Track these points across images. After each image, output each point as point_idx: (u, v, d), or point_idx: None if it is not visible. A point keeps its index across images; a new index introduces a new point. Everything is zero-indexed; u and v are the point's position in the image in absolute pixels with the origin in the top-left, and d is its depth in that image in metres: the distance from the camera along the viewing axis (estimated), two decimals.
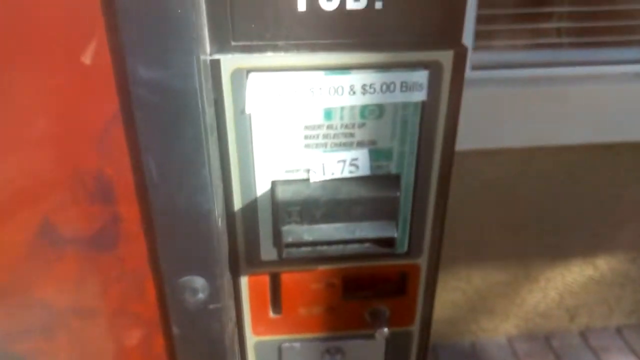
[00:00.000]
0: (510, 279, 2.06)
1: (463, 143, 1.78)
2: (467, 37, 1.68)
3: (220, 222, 0.52)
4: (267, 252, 0.61)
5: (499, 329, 2.16)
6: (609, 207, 1.93)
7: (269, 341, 0.67)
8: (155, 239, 0.47)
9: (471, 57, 1.71)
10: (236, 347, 0.65)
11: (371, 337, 0.66)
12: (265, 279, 0.63)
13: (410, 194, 0.59)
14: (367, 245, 0.58)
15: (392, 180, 0.58)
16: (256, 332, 0.66)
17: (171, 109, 0.43)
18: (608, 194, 1.91)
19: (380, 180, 0.58)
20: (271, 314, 0.65)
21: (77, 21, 0.40)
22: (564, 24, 1.77)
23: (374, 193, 0.56)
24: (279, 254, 0.57)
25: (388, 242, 0.57)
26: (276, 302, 0.65)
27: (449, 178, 0.59)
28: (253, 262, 0.61)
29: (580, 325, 2.18)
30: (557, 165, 1.85)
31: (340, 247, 0.58)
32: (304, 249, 0.57)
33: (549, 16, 1.77)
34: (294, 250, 0.57)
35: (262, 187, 0.57)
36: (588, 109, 1.74)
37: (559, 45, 1.79)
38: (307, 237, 0.56)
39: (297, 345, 0.67)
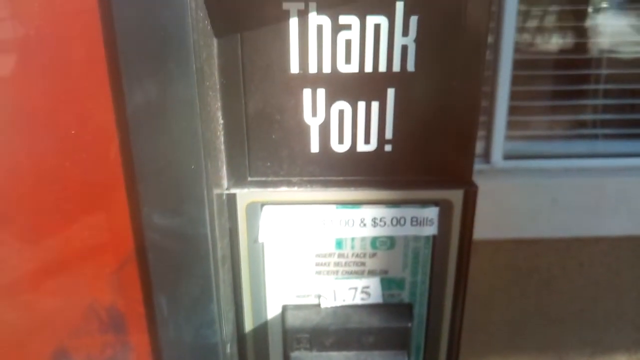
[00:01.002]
0: None
1: (498, 232, 1.74)
2: (499, 127, 1.68)
3: (229, 348, 0.52)
4: None
5: None
6: None
7: None
8: None
9: (504, 146, 1.70)
10: None
11: None
12: None
13: (423, 322, 0.58)
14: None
15: (405, 309, 0.57)
16: None
17: (183, 251, 0.44)
18: None
19: (392, 308, 0.57)
20: None
21: (96, 177, 0.43)
22: (598, 116, 1.75)
23: (386, 323, 0.55)
24: None
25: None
26: None
27: (462, 307, 0.58)
28: None
29: None
30: (595, 256, 1.78)
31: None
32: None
33: (583, 107, 1.76)
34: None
35: (273, 311, 0.57)
36: (625, 201, 1.68)
37: (594, 137, 1.76)
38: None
39: None
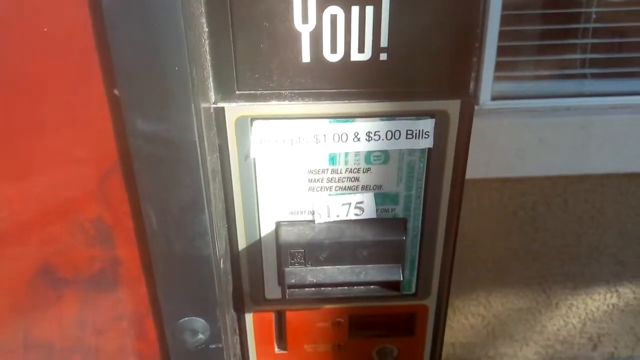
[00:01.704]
0: (531, 305, 1.98)
1: (485, 171, 1.74)
2: (488, 68, 1.64)
3: (222, 263, 0.51)
4: (272, 291, 0.59)
5: (518, 355, 2.08)
6: (633, 236, 1.85)
7: None
8: (154, 282, 0.46)
9: (492, 87, 1.67)
10: None
11: None
12: (270, 317, 0.61)
13: (417, 237, 0.57)
14: (372, 287, 0.55)
15: (399, 224, 0.55)
16: None
17: (170, 159, 0.42)
18: (633, 223, 1.83)
19: (386, 223, 0.55)
20: (276, 350, 0.63)
21: (77, 74, 0.40)
22: (587, 55, 1.71)
23: (380, 236, 0.54)
24: (283, 294, 0.55)
25: (394, 285, 0.55)
26: (281, 339, 0.63)
27: (457, 222, 0.56)
28: (258, 300, 0.59)
29: (603, 354, 2.07)
30: (580, 194, 1.78)
31: (345, 289, 0.55)
32: (307, 290, 0.55)
33: (571, 47, 1.72)
34: (297, 291, 0.55)
35: (266, 228, 0.55)
36: (611, 139, 1.67)
37: (582, 76, 1.73)
38: (311, 279, 0.54)
39: None
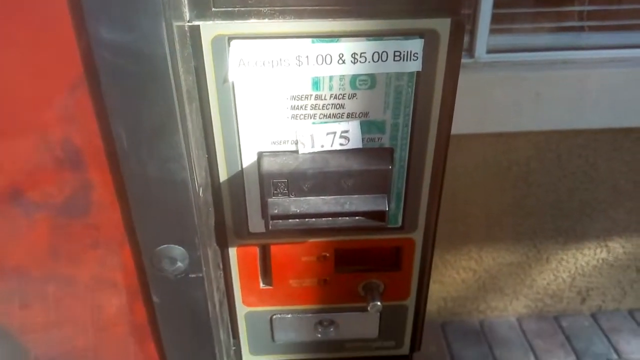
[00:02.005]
0: (521, 260, 1.99)
1: (480, 126, 1.71)
2: (484, 20, 1.59)
3: (201, 192, 0.48)
4: (255, 224, 0.57)
5: (509, 308, 2.10)
6: (626, 192, 1.84)
7: (260, 312, 0.64)
8: (129, 207, 0.44)
9: (487, 40, 1.62)
10: (226, 317, 0.62)
11: (365, 310, 0.62)
12: (255, 251, 0.59)
13: (404, 167, 0.55)
14: (357, 218, 0.54)
15: (385, 153, 0.53)
16: (247, 302, 0.63)
17: (139, 73, 0.39)
18: (625, 179, 1.81)
19: (372, 153, 0.53)
20: (261, 285, 0.62)
21: None
22: (584, 7, 1.66)
23: (365, 166, 0.52)
24: (266, 226, 0.53)
25: (379, 216, 0.53)
26: (266, 274, 0.61)
27: (445, 152, 0.54)
28: (241, 234, 0.57)
29: (591, 307, 2.10)
30: (573, 149, 1.76)
31: (330, 220, 0.53)
32: (291, 221, 0.53)
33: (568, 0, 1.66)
34: (280, 222, 0.53)
35: (248, 159, 0.53)
36: (607, 93, 1.64)
37: (580, 29, 1.68)
38: (294, 210, 0.52)
39: (288, 316, 0.64)
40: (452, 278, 2.02)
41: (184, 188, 0.44)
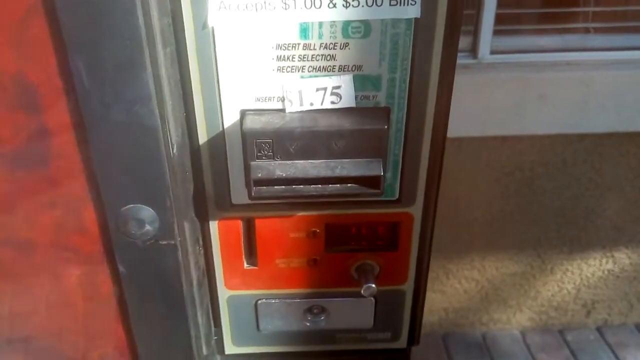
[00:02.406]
0: (525, 270, 1.92)
1: (482, 129, 1.66)
2: (487, 20, 1.55)
3: (176, 150, 0.43)
4: (239, 193, 0.51)
5: (512, 321, 2.02)
6: (632, 199, 1.78)
7: (243, 296, 0.58)
8: (92, 159, 0.38)
9: (491, 41, 1.58)
10: (206, 301, 0.56)
11: (358, 296, 0.56)
12: (238, 225, 0.54)
13: (401, 130, 0.49)
14: (350, 185, 0.48)
15: (380, 113, 0.48)
16: (229, 285, 0.57)
17: (100, 1, 0.34)
18: (631, 186, 1.75)
19: (367, 112, 0.48)
20: (245, 265, 0.56)
21: None
22: (590, 8, 1.62)
23: (359, 125, 0.46)
24: (249, 193, 0.48)
25: (374, 182, 0.47)
26: (251, 252, 0.56)
27: (447, 114, 0.49)
28: (223, 205, 0.52)
29: (597, 320, 2.02)
30: (579, 154, 1.71)
31: (319, 187, 0.48)
32: (277, 188, 0.48)
33: (573, 1, 1.63)
34: (264, 189, 0.48)
35: (230, 118, 0.48)
36: (613, 96, 1.59)
37: (583, 30, 1.64)
38: (280, 174, 0.47)
39: (275, 301, 0.58)
40: (454, 288, 1.95)
41: (153, 137, 0.39)
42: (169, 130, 0.42)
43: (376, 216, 0.53)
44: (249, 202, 0.51)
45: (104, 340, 0.49)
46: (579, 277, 1.92)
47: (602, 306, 1.98)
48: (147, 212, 0.42)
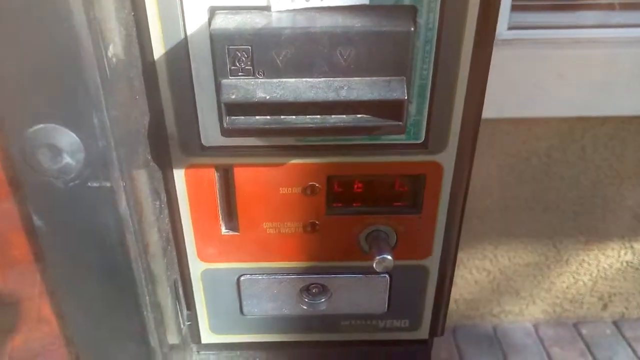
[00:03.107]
0: (540, 261, 1.77)
1: (497, 111, 1.49)
2: None
3: (115, 60, 0.29)
4: (211, 132, 0.37)
5: (524, 313, 1.87)
6: None
7: (222, 270, 0.43)
8: None
9: (509, 16, 1.42)
10: (173, 276, 0.42)
11: (368, 272, 0.41)
12: (212, 176, 0.39)
13: (431, 42, 0.34)
14: (360, 116, 0.33)
15: (403, 14, 0.33)
16: (203, 255, 0.42)
17: None
18: None
19: (385, 11, 0.33)
20: (224, 230, 0.41)
21: None
22: None
23: (374, 26, 0.31)
24: (221, 125, 0.33)
25: (394, 111, 0.32)
26: (230, 213, 0.41)
27: (495, 16, 0.34)
28: (190, 148, 0.37)
29: (614, 314, 1.86)
30: (599, 139, 1.54)
31: (318, 117, 0.33)
32: (258, 118, 0.33)
33: None
34: (242, 119, 0.33)
35: (194, 19, 0.33)
36: (638, 76, 1.42)
37: (610, 6, 1.47)
38: (262, 95, 0.32)
39: (262, 278, 0.43)
40: (465, 278, 1.79)
41: (68, 24, 0.24)
42: (99, 24, 0.27)
43: (394, 166, 0.38)
44: (225, 143, 0.37)
45: (27, 323, 0.35)
46: (596, 268, 1.76)
47: (620, 299, 1.82)
48: (65, 137, 0.27)
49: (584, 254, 1.75)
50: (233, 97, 0.32)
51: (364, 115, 0.33)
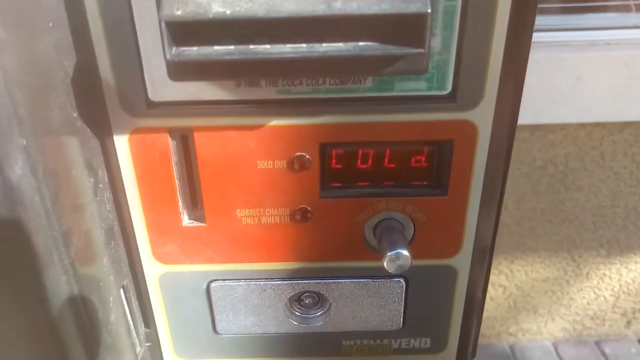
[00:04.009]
0: (558, 275, 1.64)
1: None
2: None
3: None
4: (161, 78, 0.26)
5: (543, 331, 1.73)
6: None
7: (187, 275, 0.32)
8: None
9: None
10: (124, 282, 0.30)
11: (377, 275, 0.30)
12: (165, 144, 0.28)
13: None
14: (362, 44, 0.22)
15: None
16: (161, 255, 0.31)
17: None
18: None
19: None
20: (186, 221, 0.30)
21: None
22: None
23: None
24: (165, 57, 0.22)
25: (413, 36, 0.21)
26: (192, 196, 0.30)
27: None
28: (133, 103, 0.26)
29: (637, 331, 1.71)
30: (619, 146, 1.42)
31: (304, 45, 0.22)
32: (217, 48, 0.22)
33: None
34: (194, 50, 0.22)
35: None
36: None
37: (625, 8, 1.37)
38: (219, 10, 0.21)
39: (239, 285, 0.32)
40: None
41: None
42: None
43: (410, 128, 0.27)
44: (180, 97, 0.26)
45: None
46: (618, 282, 1.62)
47: None
48: None
49: (605, 268, 1.60)
50: (178, 12, 0.21)
51: (370, 43, 0.22)
